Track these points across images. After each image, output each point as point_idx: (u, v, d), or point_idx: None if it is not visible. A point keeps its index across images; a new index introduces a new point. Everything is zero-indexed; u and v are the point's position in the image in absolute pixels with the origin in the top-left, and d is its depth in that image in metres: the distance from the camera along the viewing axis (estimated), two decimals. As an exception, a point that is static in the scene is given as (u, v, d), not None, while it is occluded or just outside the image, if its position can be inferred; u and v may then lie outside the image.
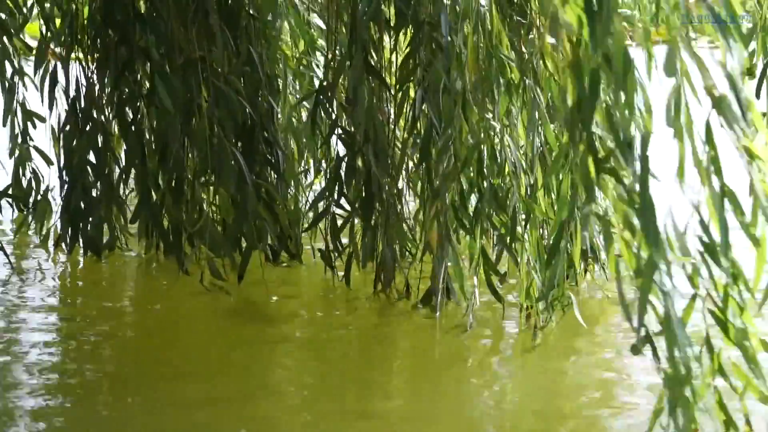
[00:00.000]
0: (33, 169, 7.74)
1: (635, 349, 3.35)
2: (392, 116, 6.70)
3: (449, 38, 5.64)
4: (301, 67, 7.61)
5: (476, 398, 5.34)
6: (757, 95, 5.48)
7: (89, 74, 7.23)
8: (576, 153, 3.36)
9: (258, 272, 6.72)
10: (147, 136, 7.23)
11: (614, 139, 3.32)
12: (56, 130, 7.37)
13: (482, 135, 5.67)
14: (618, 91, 3.30)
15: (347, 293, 6.74)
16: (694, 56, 3.46)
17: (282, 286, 7.03)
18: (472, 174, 5.78)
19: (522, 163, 5.85)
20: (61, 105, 7.34)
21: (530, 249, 5.79)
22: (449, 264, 6.09)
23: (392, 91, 6.56)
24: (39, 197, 7.71)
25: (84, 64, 7.26)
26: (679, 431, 3.26)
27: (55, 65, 7.29)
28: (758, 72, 5.71)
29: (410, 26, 6.19)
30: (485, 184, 5.77)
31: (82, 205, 7.31)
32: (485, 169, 5.73)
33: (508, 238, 5.90)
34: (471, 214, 5.89)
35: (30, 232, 7.99)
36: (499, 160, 5.85)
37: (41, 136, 7.68)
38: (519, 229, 5.83)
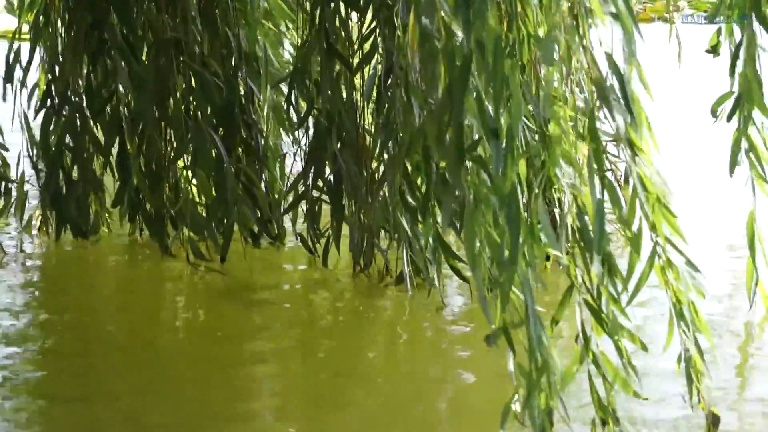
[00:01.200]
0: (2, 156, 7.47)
1: (489, 341, 3.25)
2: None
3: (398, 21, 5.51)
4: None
5: (435, 380, 5.19)
6: (731, 74, 5.28)
7: (62, 57, 7.04)
8: (443, 139, 3.24)
9: (241, 255, 6.64)
10: (126, 119, 7.04)
11: (482, 126, 3.19)
12: (27, 114, 7.18)
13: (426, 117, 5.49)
14: (488, 79, 3.17)
15: (328, 274, 6.64)
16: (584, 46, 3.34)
17: (264, 268, 6.91)
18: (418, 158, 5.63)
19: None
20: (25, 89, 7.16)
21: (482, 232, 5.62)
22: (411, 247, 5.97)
23: (359, 75, 6.41)
24: (15, 184, 7.45)
25: (56, 46, 7.07)
26: (533, 420, 3.16)
27: (19, 47, 7.16)
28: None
29: (370, 8, 6.07)
30: (432, 168, 5.61)
31: (64, 190, 7.20)
32: (431, 153, 5.57)
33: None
34: (419, 198, 5.70)
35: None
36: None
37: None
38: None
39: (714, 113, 5.32)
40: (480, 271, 3.15)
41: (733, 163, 5.25)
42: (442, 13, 3.24)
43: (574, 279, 3.38)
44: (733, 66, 5.17)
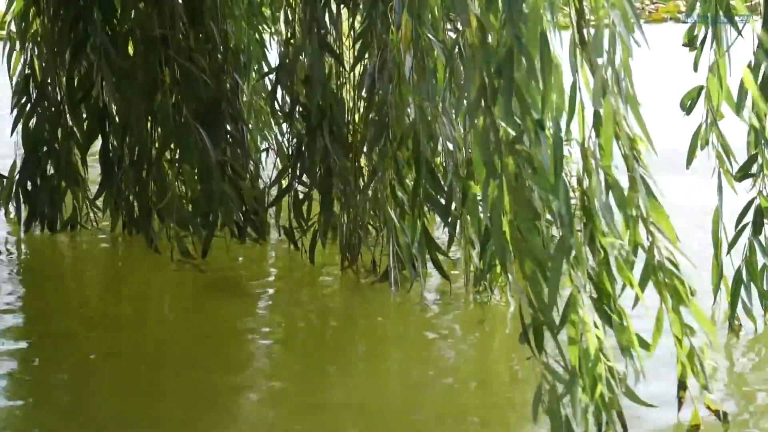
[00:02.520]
0: None
1: (522, 339, 3.29)
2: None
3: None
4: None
5: (419, 377, 5.16)
6: (695, 69, 5.32)
7: (44, 50, 7.00)
8: (476, 132, 3.31)
9: (226, 250, 6.60)
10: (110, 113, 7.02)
11: (524, 120, 3.20)
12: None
13: (418, 113, 5.44)
14: (530, 73, 3.19)
15: (313, 270, 6.54)
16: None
17: (250, 263, 6.86)
18: (408, 153, 5.58)
19: (458, 142, 5.58)
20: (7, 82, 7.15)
21: (471, 228, 5.56)
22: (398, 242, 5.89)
23: (348, 70, 6.41)
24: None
25: (39, 40, 7.03)
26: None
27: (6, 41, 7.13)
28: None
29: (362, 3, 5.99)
30: (422, 163, 5.52)
31: (38, 182, 7.16)
32: (421, 148, 5.49)
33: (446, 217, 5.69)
34: (409, 192, 5.69)
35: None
36: (434, 138, 5.60)
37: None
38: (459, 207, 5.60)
39: (683, 107, 5.36)
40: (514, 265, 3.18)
41: (691, 156, 5.25)
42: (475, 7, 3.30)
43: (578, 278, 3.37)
44: (696, 61, 5.22)
